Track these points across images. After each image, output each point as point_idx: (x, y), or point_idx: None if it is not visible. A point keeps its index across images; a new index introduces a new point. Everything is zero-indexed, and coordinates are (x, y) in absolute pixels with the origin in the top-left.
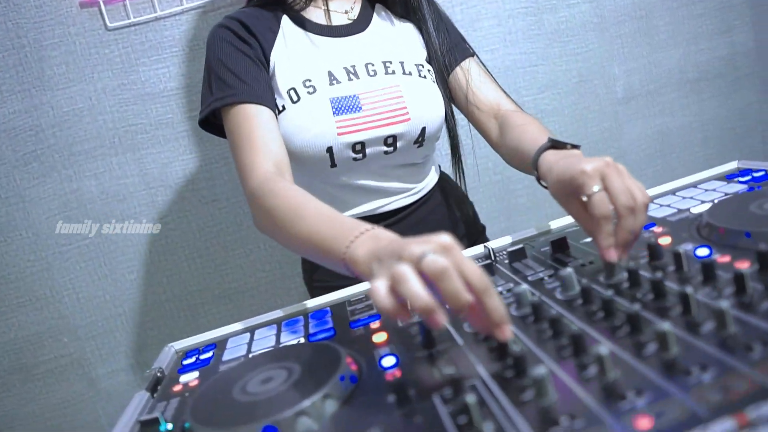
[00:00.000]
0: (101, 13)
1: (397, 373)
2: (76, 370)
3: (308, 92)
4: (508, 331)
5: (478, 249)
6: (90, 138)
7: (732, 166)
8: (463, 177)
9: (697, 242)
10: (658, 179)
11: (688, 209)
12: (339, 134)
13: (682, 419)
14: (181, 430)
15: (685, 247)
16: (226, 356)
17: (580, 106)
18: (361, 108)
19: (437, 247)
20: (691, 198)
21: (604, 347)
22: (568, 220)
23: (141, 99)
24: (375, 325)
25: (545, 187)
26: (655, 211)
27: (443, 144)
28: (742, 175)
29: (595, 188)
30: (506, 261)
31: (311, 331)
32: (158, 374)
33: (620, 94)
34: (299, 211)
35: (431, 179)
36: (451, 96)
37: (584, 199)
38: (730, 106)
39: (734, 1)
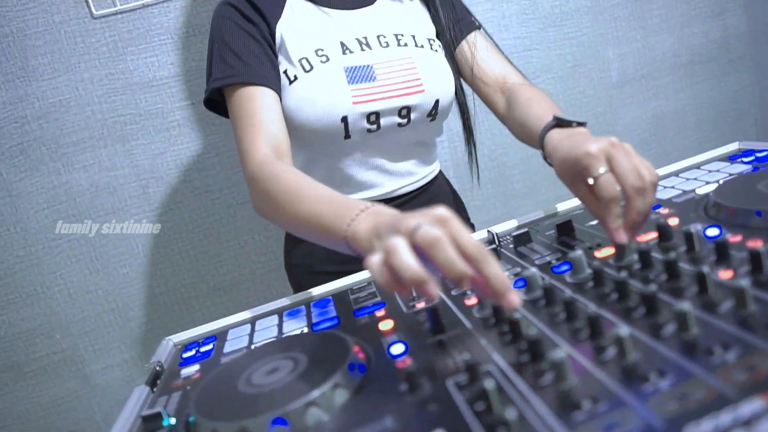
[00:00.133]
0: (87, 1)
1: (408, 360)
2: (70, 366)
3: (321, 61)
4: (516, 298)
5: (482, 234)
6: (78, 129)
7: (733, 147)
8: (476, 153)
9: (705, 222)
10: (654, 163)
11: (693, 190)
12: (354, 103)
13: (709, 400)
14: (185, 425)
15: (695, 227)
16: (227, 348)
17: (575, 91)
18: (375, 78)
19: (433, 219)
20: (695, 179)
21: (623, 328)
22: (575, 202)
23: (129, 89)
24: (380, 312)
25: (552, 166)
26: (660, 193)
27: (448, 136)
28: (745, 156)
29: (601, 170)
30: (511, 246)
31: (314, 320)
32: (157, 368)
33: (615, 79)
34: (298, 192)
35: (435, 167)
36: (459, 70)
37: (590, 181)
38: (724, 90)
39: None
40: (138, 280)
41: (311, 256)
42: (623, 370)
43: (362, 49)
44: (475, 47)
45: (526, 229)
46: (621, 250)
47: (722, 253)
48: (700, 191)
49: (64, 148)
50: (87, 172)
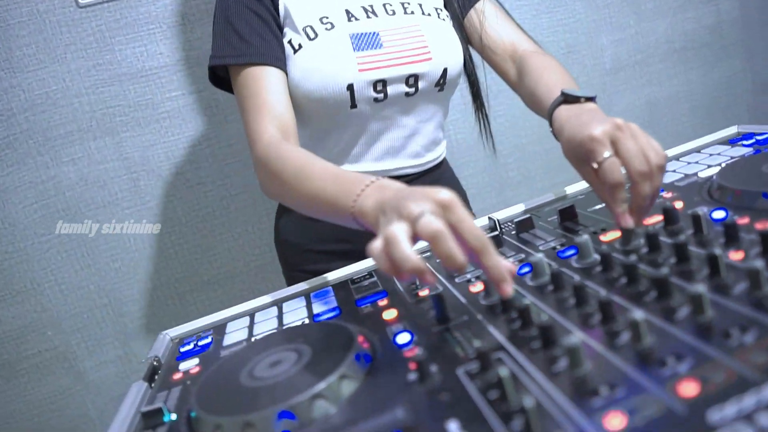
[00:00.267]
0: None
1: (415, 349)
2: (62, 363)
3: (326, 29)
4: (509, 289)
5: (483, 221)
6: (65, 122)
7: (732, 130)
8: (488, 124)
9: (710, 205)
10: None
11: (696, 173)
12: (360, 70)
13: (730, 383)
14: (187, 420)
15: (702, 210)
16: (226, 341)
17: None
18: (381, 45)
19: (436, 205)
20: (697, 163)
21: (638, 312)
22: (584, 185)
23: (118, 80)
24: (383, 302)
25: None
26: None
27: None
28: (746, 139)
29: (606, 154)
30: (513, 232)
31: (315, 311)
32: (154, 363)
33: (608, 65)
34: (305, 170)
35: (441, 152)
36: (468, 40)
37: (595, 166)
38: (717, 75)
39: None
40: (130, 275)
41: (302, 235)
42: (639, 355)
43: (368, 17)
44: (484, 15)
45: (528, 215)
46: (627, 234)
47: (732, 235)
48: (703, 174)
49: (52, 141)
50: (76, 166)
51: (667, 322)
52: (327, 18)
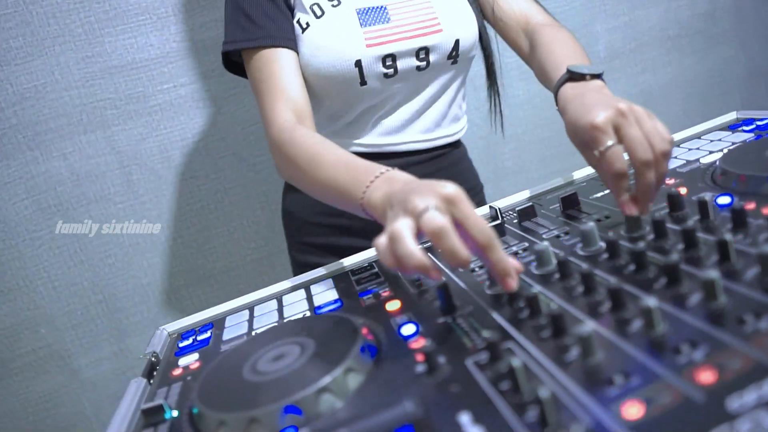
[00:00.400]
0: None
1: (421, 340)
2: (57, 361)
3: (332, 5)
4: (513, 283)
5: (484, 210)
6: (55, 116)
7: (731, 116)
8: (500, 102)
9: (714, 191)
10: None
11: (698, 160)
12: (368, 46)
13: (747, 370)
14: (189, 416)
15: (707, 196)
16: (226, 335)
17: None
18: (389, 19)
19: (441, 200)
20: (698, 149)
21: (651, 300)
22: (592, 169)
23: (108, 72)
24: (386, 293)
25: None
26: None
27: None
28: (746, 125)
29: (609, 142)
30: (515, 221)
31: (316, 303)
32: (152, 359)
33: (603, 53)
34: (317, 158)
35: (458, 130)
36: (482, 13)
37: (597, 154)
38: (710, 63)
39: None
40: (124, 270)
41: (306, 207)
42: (652, 343)
43: None
44: None
45: (530, 203)
46: (632, 221)
47: (739, 220)
48: (705, 160)
49: (42, 135)
50: (67, 160)
51: (678, 309)
52: None
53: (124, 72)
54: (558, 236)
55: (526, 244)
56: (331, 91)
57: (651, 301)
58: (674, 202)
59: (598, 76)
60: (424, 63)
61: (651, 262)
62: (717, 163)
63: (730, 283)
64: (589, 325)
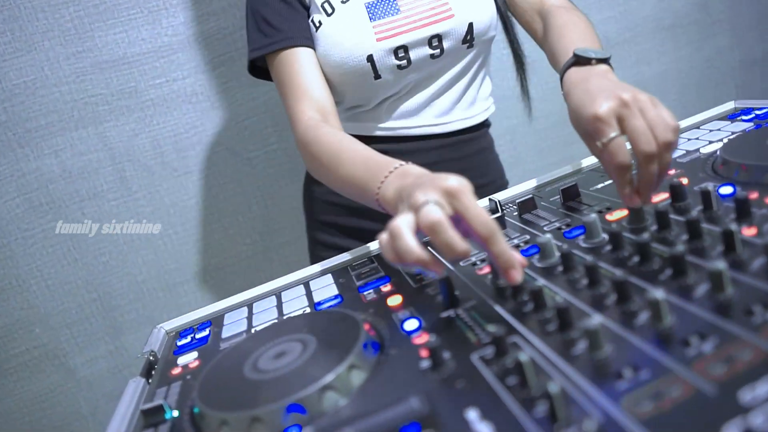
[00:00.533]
0: None
1: (424, 336)
2: (52, 360)
3: (341, 2)
4: (517, 275)
5: (483, 202)
6: (46, 112)
7: (730, 106)
8: (527, 83)
9: (716, 181)
10: None
11: (698, 150)
12: (378, 40)
13: (758, 361)
14: (190, 416)
15: (710, 186)
16: (225, 333)
17: None
18: (399, 10)
19: (443, 193)
20: (697, 139)
21: (658, 291)
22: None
23: (99, 67)
24: (387, 287)
25: None
26: None
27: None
28: (744, 114)
29: (612, 134)
30: (515, 213)
31: (316, 299)
32: (150, 358)
33: None
34: (338, 155)
35: (475, 111)
36: None
37: (599, 145)
38: (705, 52)
39: None
40: (119, 268)
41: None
42: (660, 335)
43: None
44: None
45: (530, 195)
46: (634, 212)
47: (743, 210)
48: (705, 150)
49: (33, 132)
50: (58, 158)
51: (685, 300)
52: None
53: (115, 67)
54: (560, 228)
55: (528, 237)
56: (348, 86)
57: (658, 293)
58: (676, 192)
59: (604, 61)
60: (438, 51)
61: (655, 254)
62: (717, 152)
63: (737, 273)
64: (596, 319)
